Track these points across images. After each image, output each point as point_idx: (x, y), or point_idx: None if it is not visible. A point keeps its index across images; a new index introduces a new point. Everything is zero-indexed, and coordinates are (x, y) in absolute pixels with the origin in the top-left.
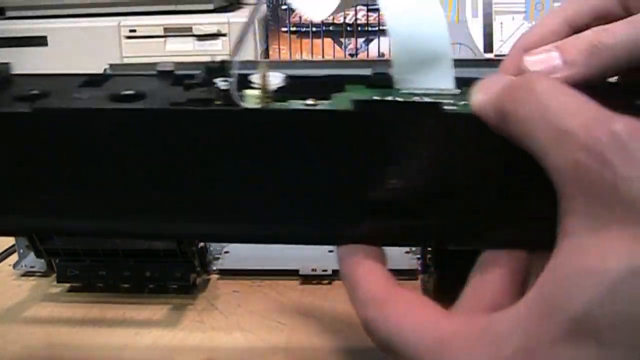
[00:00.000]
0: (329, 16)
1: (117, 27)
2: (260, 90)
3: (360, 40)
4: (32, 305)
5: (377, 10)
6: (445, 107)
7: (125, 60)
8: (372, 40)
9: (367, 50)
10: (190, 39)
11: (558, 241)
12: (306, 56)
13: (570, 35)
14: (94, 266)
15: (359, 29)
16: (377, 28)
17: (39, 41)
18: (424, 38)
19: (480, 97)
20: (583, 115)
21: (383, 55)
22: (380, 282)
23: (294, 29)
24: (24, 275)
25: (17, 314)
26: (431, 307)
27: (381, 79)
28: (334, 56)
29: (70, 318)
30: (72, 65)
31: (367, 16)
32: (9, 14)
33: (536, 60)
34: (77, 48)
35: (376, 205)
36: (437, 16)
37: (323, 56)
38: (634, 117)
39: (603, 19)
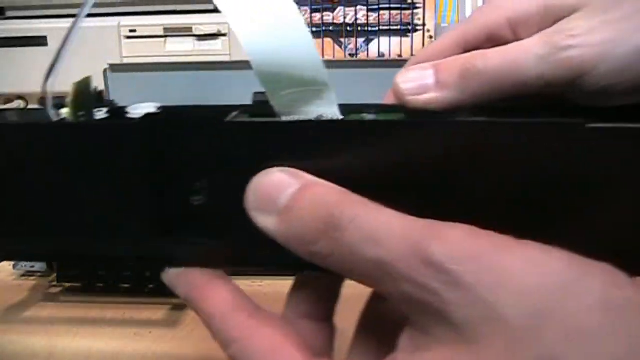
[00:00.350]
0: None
1: (117, 27)
2: (70, 109)
3: (360, 40)
4: (32, 305)
5: (377, 10)
6: (233, 119)
7: (125, 60)
8: (372, 40)
9: (367, 50)
10: (190, 39)
11: (402, 335)
12: None
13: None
14: (94, 266)
15: (359, 29)
16: (377, 28)
17: (39, 41)
18: (291, 65)
19: (274, 225)
20: (397, 242)
21: (383, 55)
22: (238, 316)
23: None
24: (24, 275)
25: (17, 314)
26: (293, 351)
27: (264, 108)
28: (333, 56)
29: (70, 318)
30: (72, 65)
31: (367, 16)
32: (9, 14)
33: (408, 78)
34: (77, 48)
35: (177, 223)
36: (303, 41)
37: (323, 56)
38: (456, 226)
39: (494, 41)
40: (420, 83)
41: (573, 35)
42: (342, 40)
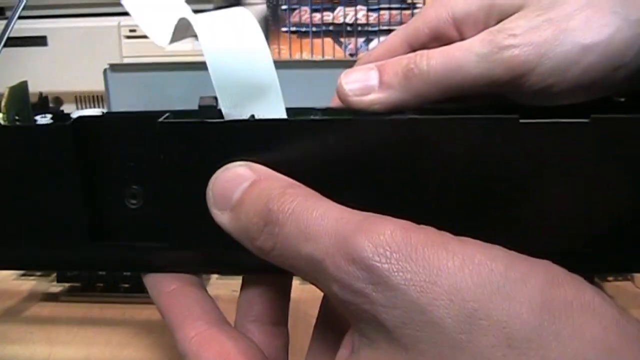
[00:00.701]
0: (329, 16)
1: (117, 27)
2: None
3: (360, 40)
4: (32, 305)
5: (377, 10)
6: (164, 120)
7: (125, 60)
8: (372, 40)
9: (367, 50)
10: (190, 39)
11: (345, 337)
12: (306, 56)
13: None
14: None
15: (359, 28)
16: (377, 28)
17: (39, 41)
18: (246, 70)
19: (227, 221)
20: (327, 237)
21: None
22: (192, 328)
23: (294, 28)
24: (24, 275)
25: (17, 314)
26: None
27: (211, 112)
28: (334, 56)
29: (70, 318)
30: (72, 65)
31: (367, 16)
32: (9, 14)
33: (352, 79)
34: (77, 48)
35: (115, 228)
36: (259, 47)
37: (323, 56)
38: (386, 220)
39: (440, 40)
40: (365, 84)
41: (514, 35)
42: (342, 40)
